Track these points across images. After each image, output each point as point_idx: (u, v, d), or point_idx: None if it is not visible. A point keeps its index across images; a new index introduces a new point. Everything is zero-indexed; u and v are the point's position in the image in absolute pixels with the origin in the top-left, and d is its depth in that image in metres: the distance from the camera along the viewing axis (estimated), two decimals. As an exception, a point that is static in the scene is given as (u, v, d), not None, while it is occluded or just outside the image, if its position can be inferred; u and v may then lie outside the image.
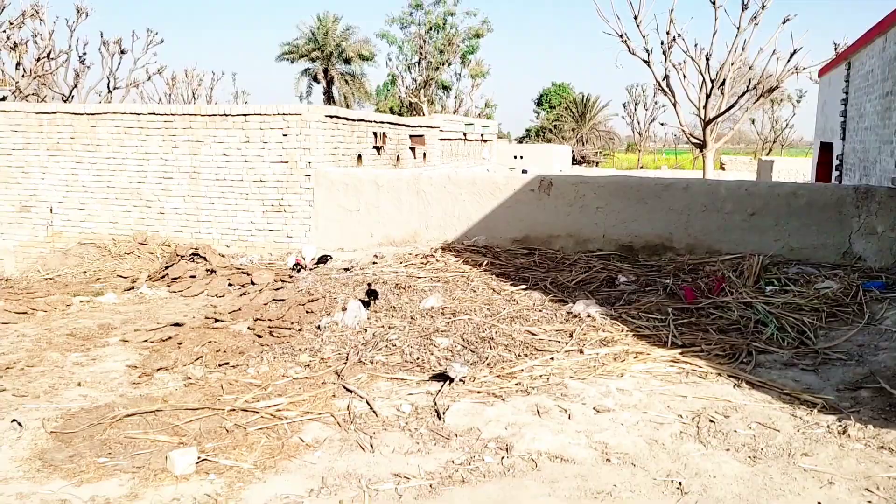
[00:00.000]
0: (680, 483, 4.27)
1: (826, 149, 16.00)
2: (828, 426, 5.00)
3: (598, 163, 50.75)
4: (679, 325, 7.35)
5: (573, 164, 42.69)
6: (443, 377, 5.94)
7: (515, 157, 33.83)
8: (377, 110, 49.85)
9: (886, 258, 8.90)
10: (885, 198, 8.95)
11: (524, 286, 8.74)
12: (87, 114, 12.54)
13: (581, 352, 6.57)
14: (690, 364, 6.32)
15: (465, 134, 20.78)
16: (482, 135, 22.51)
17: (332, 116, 12.08)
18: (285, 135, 11.69)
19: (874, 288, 7.88)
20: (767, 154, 51.55)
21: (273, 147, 11.78)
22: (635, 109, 60.52)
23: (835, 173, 14.34)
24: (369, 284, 8.51)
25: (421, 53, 47.96)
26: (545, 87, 68.26)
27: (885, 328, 6.87)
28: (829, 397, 5.52)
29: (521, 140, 64.76)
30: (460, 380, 5.86)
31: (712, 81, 21.45)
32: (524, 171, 12.83)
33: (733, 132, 26.24)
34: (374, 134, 14.11)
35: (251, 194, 11.92)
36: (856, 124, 12.67)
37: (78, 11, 28.47)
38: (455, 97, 52.26)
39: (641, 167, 53.74)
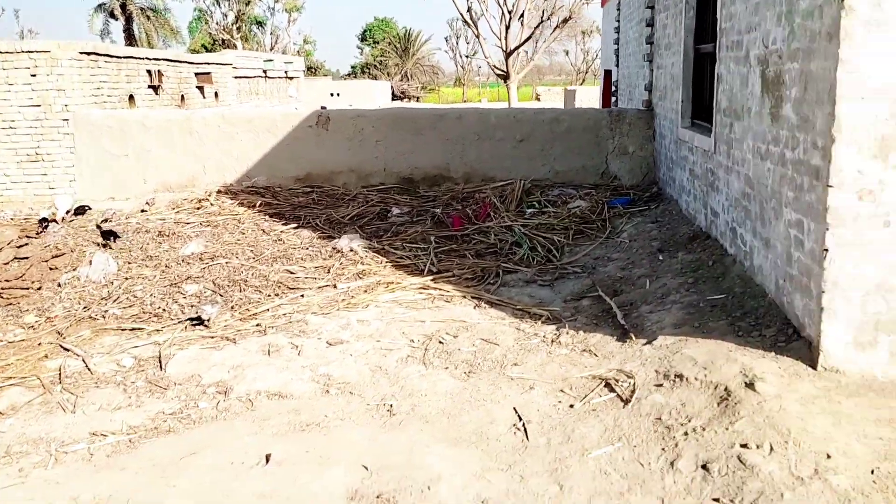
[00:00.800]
0: (391, 406, 4.37)
1: (609, 76, 16.91)
2: (544, 336, 5.32)
3: (418, 98, 50.84)
4: (440, 253, 7.52)
5: (393, 99, 42.47)
6: (194, 321, 5.72)
7: (332, 94, 33.02)
8: (190, 50, 46.51)
9: (637, 176, 9.60)
10: (635, 119, 9.59)
11: (296, 225, 8.56)
12: None
13: (335, 287, 6.54)
14: (439, 289, 6.48)
15: (265, 71, 19.85)
16: (286, 72, 21.63)
17: (89, 53, 10.98)
18: (34, 75, 10.50)
19: (619, 204, 8.47)
20: (581, 84, 54.09)
21: (21, 89, 10.55)
22: (457, 43, 60.99)
23: (613, 99, 15.22)
24: (98, 227, 7.93)
25: (229, -14, 45.06)
26: (369, 22, 66.93)
27: (620, 241, 7.42)
28: (555, 309, 5.88)
29: (347, 77, 63.36)
30: (202, 324, 5.66)
31: (510, 13, 21.89)
32: (323, 108, 12.46)
33: (533, 63, 27.12)
34: (149, 72, 13.06)
35: (0, 143, 10.66)
36: (624, 51, 13.42)
37: None
38: (271, 33, 49.92)
39: (465, 101, 54.55)
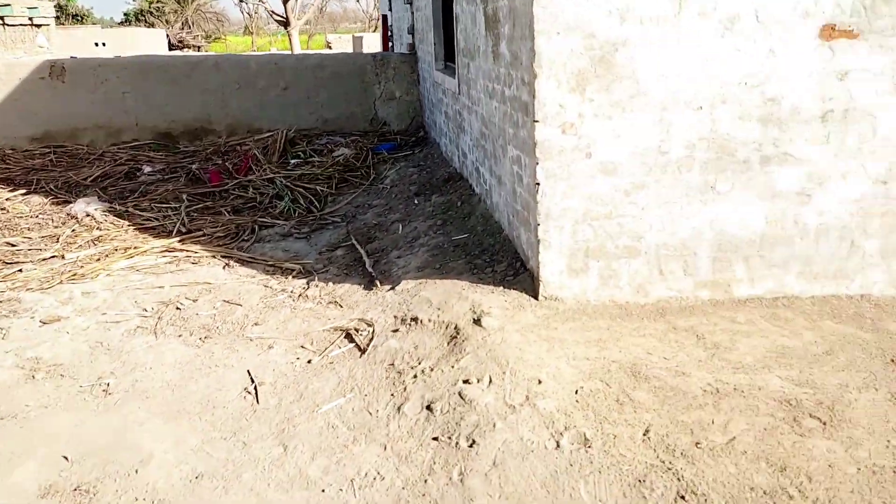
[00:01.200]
0: (108, 385, 3.95)
1: (385, 20, 16.69)
2: (291, 291, 5.10)
3: (200, 47, 47.45)
4: (194, 211, 7.00)
5: (171, 49, 39.23)
6: None
7: (98, 44, 29.76)
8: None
9: (405, 121, 9.56)
10: (399, 63, 9.49)
11: (25, 191, 7.56)
12: None
13: (62, 257, 5.83)
14: (187, 251, 6.02)
15: (2, 18, 17.30)
16: (31, 18, 19.02)
17: None
18: None
19: (384, 150, 8.38)
20: (374, 31, 53.38)
21: None
22: (242, -11, 57.34)
23: (390, 44, 15.05)
24: None
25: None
26: (140, -37, 60.77)
27: (383, 187, 7.34)
28: (308, 262, 5.67)
29: (119, 25, 57.55)
30: None
31: (284, -46, 20.81)
32: (73, 57, 11.06)
33: (315, 8, 26.25)
34: None
35: None
36: (395, -5, 13.24)
37: None
38: (20, -26, 43.75)
39: (256, 50, 51.83)
